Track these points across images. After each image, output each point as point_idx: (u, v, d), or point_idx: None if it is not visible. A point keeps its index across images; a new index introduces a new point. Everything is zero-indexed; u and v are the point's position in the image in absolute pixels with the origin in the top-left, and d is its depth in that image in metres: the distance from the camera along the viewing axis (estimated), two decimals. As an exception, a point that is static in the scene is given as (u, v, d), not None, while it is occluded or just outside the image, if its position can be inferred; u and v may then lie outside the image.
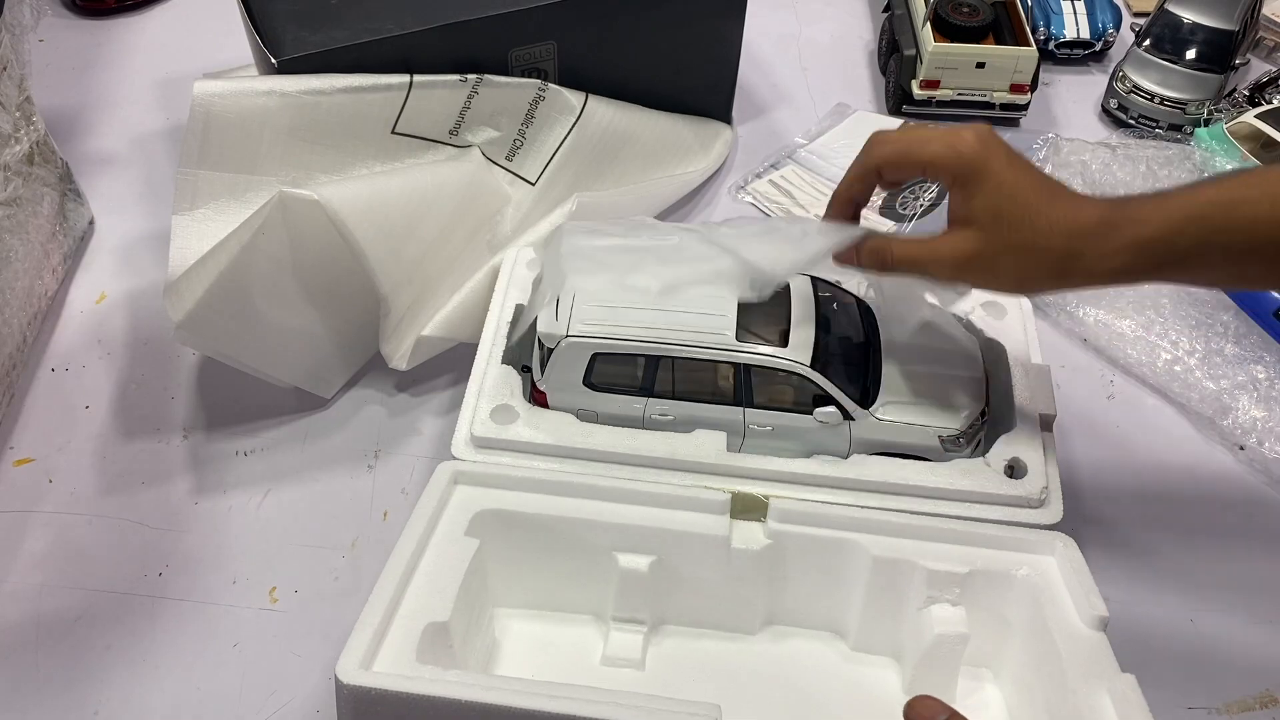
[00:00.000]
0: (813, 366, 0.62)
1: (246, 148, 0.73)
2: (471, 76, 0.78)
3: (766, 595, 0.62)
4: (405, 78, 0.76)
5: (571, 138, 0.83)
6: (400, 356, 0.77)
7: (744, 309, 0.64)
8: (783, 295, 0.65)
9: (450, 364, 0.82)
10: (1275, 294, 0.75)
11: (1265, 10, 1.07)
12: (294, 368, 0.77)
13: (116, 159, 0.98)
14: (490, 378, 0.67)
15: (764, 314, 0.65)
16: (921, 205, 0.95)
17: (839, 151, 1.00)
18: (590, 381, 0.65)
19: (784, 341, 0.63)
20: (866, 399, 0.64)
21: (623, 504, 0.61)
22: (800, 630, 0.64)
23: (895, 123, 1.03)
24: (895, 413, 0.64)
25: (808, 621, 0.64)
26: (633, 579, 0.60)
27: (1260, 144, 0.93)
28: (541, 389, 0.66)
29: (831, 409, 0.63)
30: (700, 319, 0.63)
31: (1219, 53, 1.00)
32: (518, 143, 0.83)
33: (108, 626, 0.67)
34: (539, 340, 0.66)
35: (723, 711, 0.49)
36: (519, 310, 0.73)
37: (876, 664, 0.62)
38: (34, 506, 0.73)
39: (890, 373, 0.65)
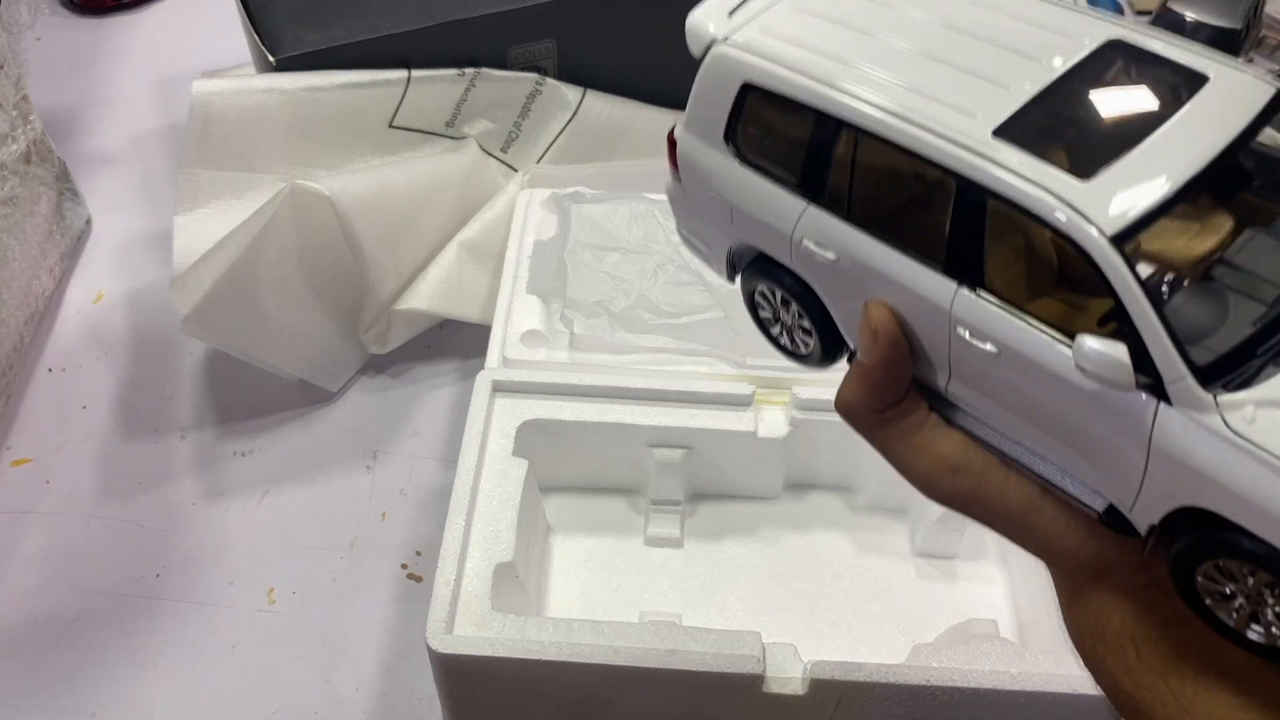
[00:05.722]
0: (1120, 242, 0.29)
1: (246, 146, 0.73)
2: (469, 70, 0.78)
3: (788, 469, 0.68)
4: (403, 73, 0.76)
5: (567, 133, 0.83)
6: (378, 338, 0.78)
7: (1073, 102, 0.33)
8: (1168, 102, 0.32)
9: (449, 364, 0.81)
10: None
11: (1268, 9, 1.07)
12: (300, 360, 0.77)
13: (114, 158, 0.98)
14: (516, 307, 0.70)
15: (1107, 123, 0.32)
16: None
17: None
18: (734, 138, 0.38)
19: (1089, 171, 0.30)
20: (1224, 372, 0.29)
21: (654, 404, 0.65)
22: (818, 490, 0.71)
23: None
24: (1278, 430, 0.28)
25: (825, 483, 0.70)
26: (668, 469, 0.65)
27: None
28: (673, 137, 0.41)
29: (1114, 348, 0.29)
30: (960, 84, 0.33)
31: (1222, 51, 0.99)
32: (513, 135, 0.83)
33: (105, 627, 0.67)
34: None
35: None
36: (537, 246, 0.73)
37: (886, 520, 0.69)
38: (31, 507, 0.73)
39: None
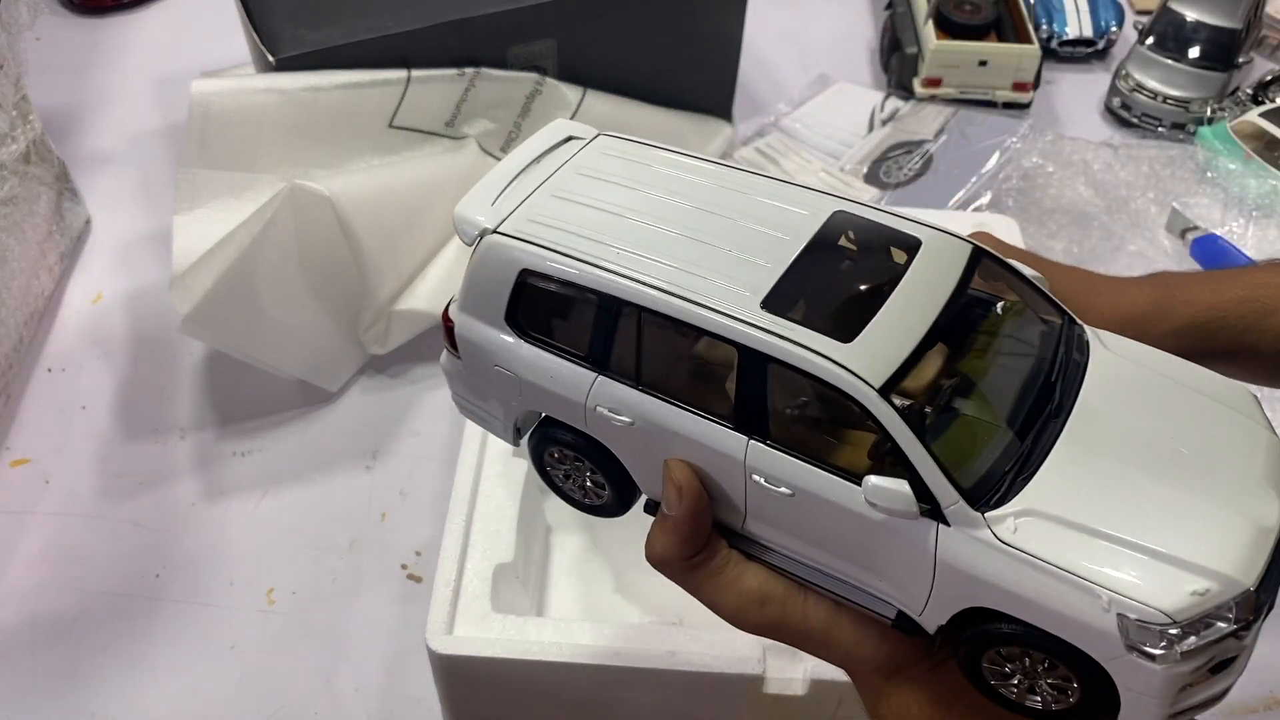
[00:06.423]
0: (886, 393, 0.34)
1: (245, 145, 0.73)
2: (469, 70, 0.78)
3: None
4: (403, 72, 0.76)
5: (568, 133, 0.83)
6: (378, 338, 0.78)
7: (820, 271, 0.38)
8: (893, 265, 0.38)
9: (449, 364, 0.81)
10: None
11: (1269, 9, 1.07)
12: (300, 360, 0.77)
13: (113, 158, 0.98)
14: None
15: (850, 289, 0.38)
16: (906, 174, 0.95)
17: (821, 120, 1.02)
18: (516, 320, 0.40)
19: (848, 333, 0.35)
20: (985, 492, 0.34)
21: None
22: None
23: (877, 96, 1.03)
24: (1036, 535, 0.34)
25: None
26: None
27: (1264, 143, 0.93)
28: (449, 317, 0.42)
29: (897, 484, 0.34)
30: (722, 261, 0.37)
31: (1222, 51, 0.99)
32: (513, 135, 0.83)
33: (104, 628, 0.67)
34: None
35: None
36: None
37: None
38: (31, 507, 0.73)
39: (1065, 465, 0.35)
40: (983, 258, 0.39)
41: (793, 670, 0.53)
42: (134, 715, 0.63)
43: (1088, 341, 0.39)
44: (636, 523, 0.70)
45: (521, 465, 0.61)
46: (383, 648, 0.66)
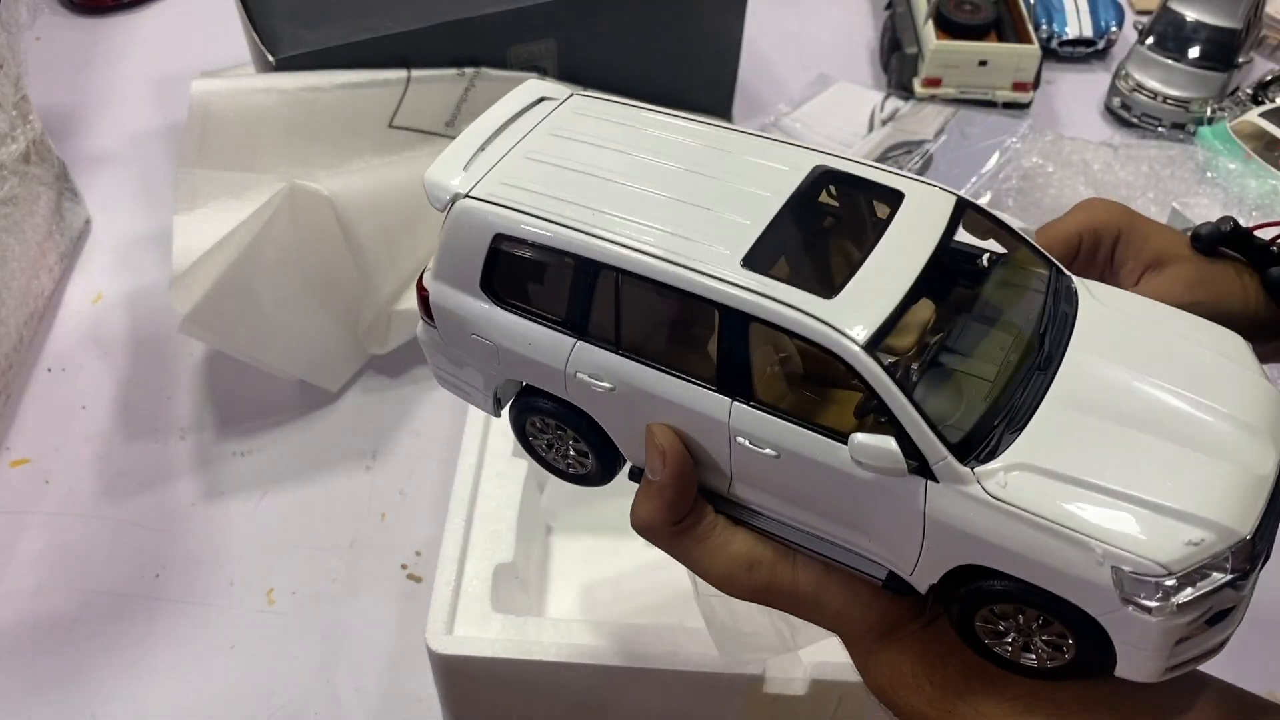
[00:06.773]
0: (872, 348, 0.33)
1: (245, 145, 0.73)
2: (469, 70, 0.78)
3: None
4: (403, 72, 0.76)
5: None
6: (378, 338, 0.78)
7: (801, 227, 0.37)
8: (876, 218, 0.38)
9: (449, 364, 0.81)
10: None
11: (1269, 9, 1.07)
12: (300, 360, 0.77)
13: (113, 158, 0.98)
14: None
15: (833, 244, 0.38)
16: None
17: (821, 120, 1.02)
18: (491, 287, 0.39)
19: (831, 289, 0.34)
20: (974, 447, 0.34)
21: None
22: None
23: (877, 96, 1.03)
24: (1027, 489, 0.33)
25: None
26: None
27: (1264, 143, 0.93)
28: (423, 286, 0.41)
29: (884, 441, 0.33)
30: (700, 220, 0.36)
31: (1222, 51, 0.99)
32: None
33: (104, 628, 0.67)
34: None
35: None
36: None
37: None
38: (31, 507, 0.73)
39: (1054, 418, 0.34)
40: (967, 208, 0.37)
41: (793, 670, 0.53)
42: (134, 715, 0.63)
43: (1076, 292, 0.38)
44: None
45: (522, 465, 0.61)
46: (383, 648, 0.66)
